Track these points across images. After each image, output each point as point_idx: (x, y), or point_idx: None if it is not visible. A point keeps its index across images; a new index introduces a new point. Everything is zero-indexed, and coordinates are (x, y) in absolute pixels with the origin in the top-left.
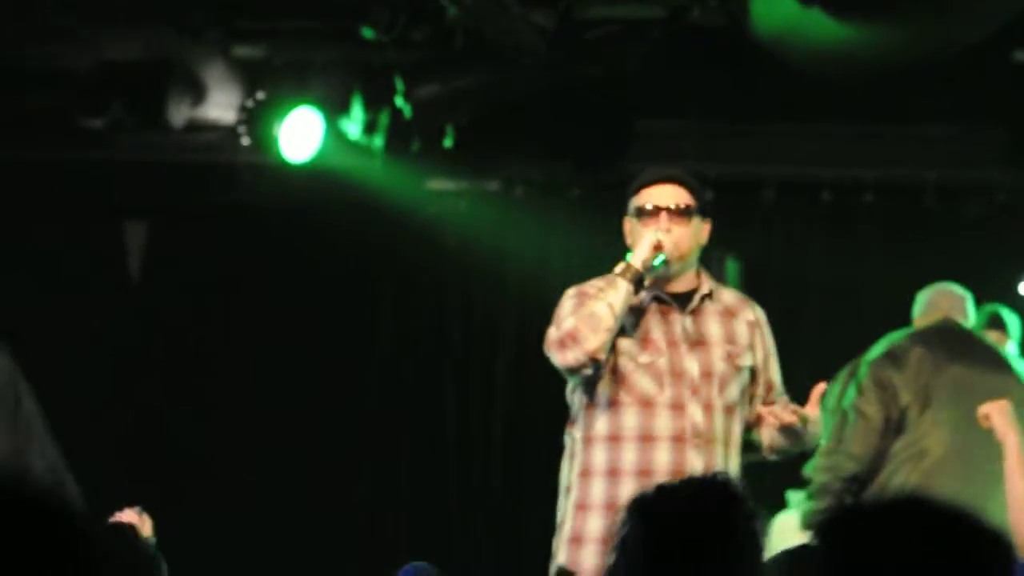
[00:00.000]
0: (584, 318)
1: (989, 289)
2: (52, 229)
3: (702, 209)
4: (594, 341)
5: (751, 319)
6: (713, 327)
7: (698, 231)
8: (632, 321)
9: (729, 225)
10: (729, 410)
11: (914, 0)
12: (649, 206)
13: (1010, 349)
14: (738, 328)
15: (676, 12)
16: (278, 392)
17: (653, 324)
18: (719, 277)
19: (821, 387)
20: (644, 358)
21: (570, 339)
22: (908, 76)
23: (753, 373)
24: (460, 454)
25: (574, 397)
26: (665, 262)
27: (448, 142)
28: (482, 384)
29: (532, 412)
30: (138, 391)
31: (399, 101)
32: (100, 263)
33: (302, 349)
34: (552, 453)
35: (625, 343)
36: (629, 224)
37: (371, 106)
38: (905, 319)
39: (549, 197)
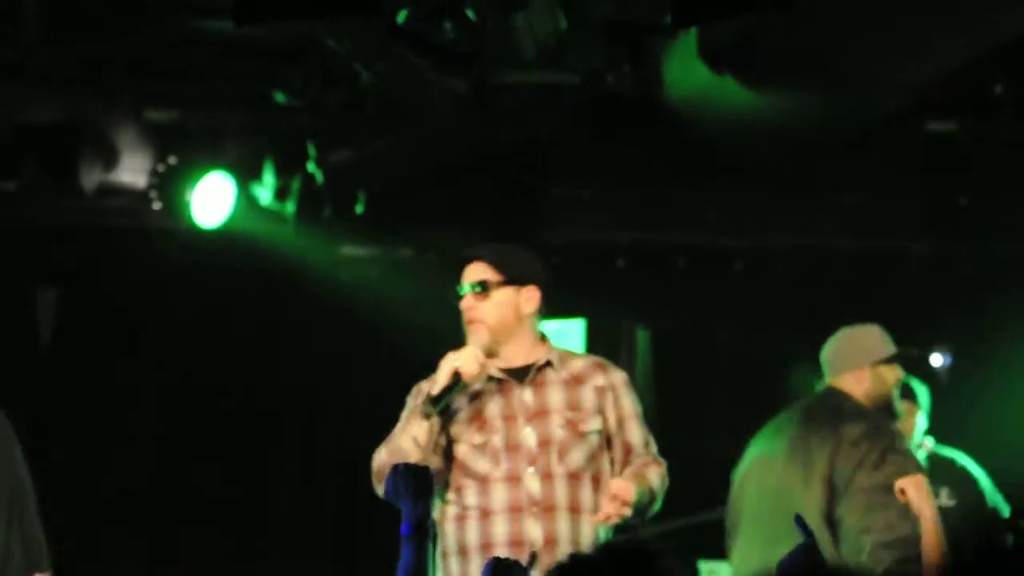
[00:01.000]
0: (392, 454)
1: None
2: None
3: (511, 279)
4: None
5: (600, 384)
6: (554, 396)
7: (506, 302)
8: (468, 405)
9: (640, 294)
10: (574, 476)
11: (827, 69)
12: (457, 292)
13: (920, 421)
14: (583, 394)
15: (589, 78)
16: (188, 458)
17: (489, 402)
18: (630, 347)
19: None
20: (477, 439)
21: (379, 477)
22: (822, 145)
23: (609, 438)
24: (369, 526)
25: None
26: (464, 384)
27: (360, 208)
28: None
29: None
30: (47, 459)
31: (311, 166)
32: (9, 330)
33: (213, 415)
34: None
35: (458, 428)
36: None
37: (283, 172)
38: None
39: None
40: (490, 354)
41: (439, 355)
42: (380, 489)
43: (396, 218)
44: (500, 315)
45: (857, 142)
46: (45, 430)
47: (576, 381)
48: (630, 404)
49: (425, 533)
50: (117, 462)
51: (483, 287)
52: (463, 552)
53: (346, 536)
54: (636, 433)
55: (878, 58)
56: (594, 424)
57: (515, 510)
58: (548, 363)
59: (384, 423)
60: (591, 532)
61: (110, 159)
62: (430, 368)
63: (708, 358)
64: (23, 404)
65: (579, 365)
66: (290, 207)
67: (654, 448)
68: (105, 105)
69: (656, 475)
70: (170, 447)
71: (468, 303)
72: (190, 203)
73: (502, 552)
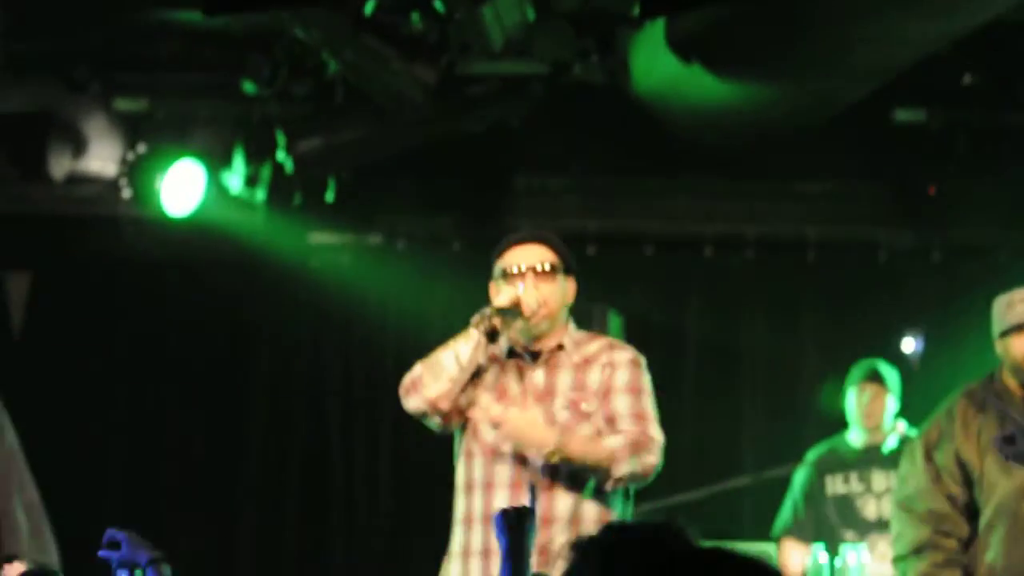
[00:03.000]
0: (429, 366)
1: (871, 346)
2: None
3: (567, 267)
4: (434, 389)
5: (605, 362)
6: (563, 378)
7: (564, 289)
8: (494, 375)
9: (611, 280)
10: None
11: (794, 58)
12: (515, 267)
13: (890, 404)
14: (590, 376)
15: (557, 69)
16: (162, 445)
17: (511, 378)
18: (601, 328)
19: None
20: (495, 410)
21: (413, 386)
22: (790, 134)
23: (598, 410)
24: (346, 506)
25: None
26: (519, 315)
27: (330, 196)
28: (366, 437)
29: (416, 465)
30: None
31: (280, 155)
32: None
33: (186, 401)
34: (435, 503)
35: (483, 396)
36: (496, 288)
37: (253, 159)
38: (785, 374)
39: (431, 251)
40: (537, 337)
41: (410, 342)
42: (405, 402)
43: (366, 205)
44: (558, 300)
45: (826, 130)
46: (14, 413)
47: (586, 363)
48: (624, 378)
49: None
50: (86, 448)
51: (553, 271)
52: (467, 521)
53: (314, 527)
54: (623, 403)
55: (846, 45)
56: (595, 403)
57: (516, 486)
58: (560, 346)
59: (355, 411)
60: (593, 511)
61: (79, 148)
62: (402, 355)
63: (679, 343)
64: None
65: (593, 348)
66: (260, 195)
67: (651, 427)
68: (74, 95)
69: (619, 443)
70: (141, 433)
71: (534, 283)
72: (160, 191)
73: None
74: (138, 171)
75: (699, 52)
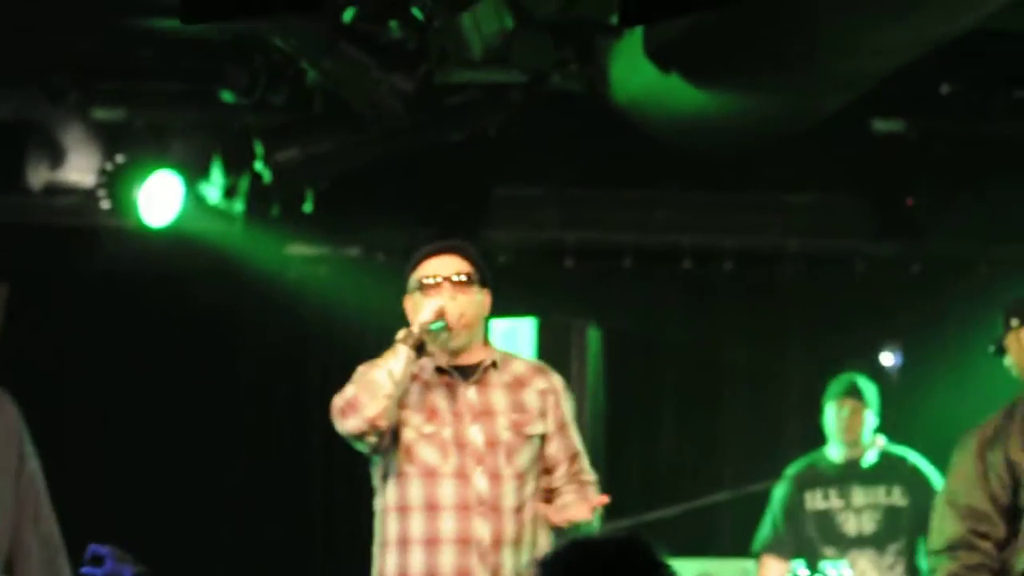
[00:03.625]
0: (363, 385)
1: (850, 359)
2: None
3: (483, 279)
4: (372, 408)
5: (543, 387)
6: (498, 397)
7: (481, 301)
8: (418, 394)
9: (589, 292)
10: (520, 477)
11: (773, 68)
12: (431, 278)
13: (869, 419)
14: (527, 397)
15: (536, 77)
16: (141, 456)
17: (438, 396)
18: (580, 345)
19: (604, 499)
20: (428, 428)
21: (349, 407)
22: (769, 144)
23: (546, 441)
24: (325, 521)
25: (372, 471)
26: (445, 327)
27: (308, 207)
28: (345, 449)
29: None
30: None
31: (259, 165)
32: None
33: (165, 411)
34: None
35: (411, 415)
36: (411, 301)
37: (231, 170)
38: (764, 387)
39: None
40: (455, 352)
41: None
42: (342, 424)
43: (344, 217)
44: (476, 312)
45: (804, 141)
46: None
47: (518, 384)
48: (569, 409)
49: None
50: (61, 461)
51: (469, 281)
52: (403, 544)
53: (300, 538)
54: (577, 438)
55: (824, 54)
56: (538, 427)
57: (463, 507)
58: (493, 364)
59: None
60: (532, 531)
61: (57, 158)
62: None
63: (657, 355)
64: None
65: (520, 368)
66: (238, 206)
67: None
68: (51, 104)
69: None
70: (115, 447)
71: (451, 293)
72: (138, 202)
73: (448, 548)
74: (116, 181)
75: (677, 61)
